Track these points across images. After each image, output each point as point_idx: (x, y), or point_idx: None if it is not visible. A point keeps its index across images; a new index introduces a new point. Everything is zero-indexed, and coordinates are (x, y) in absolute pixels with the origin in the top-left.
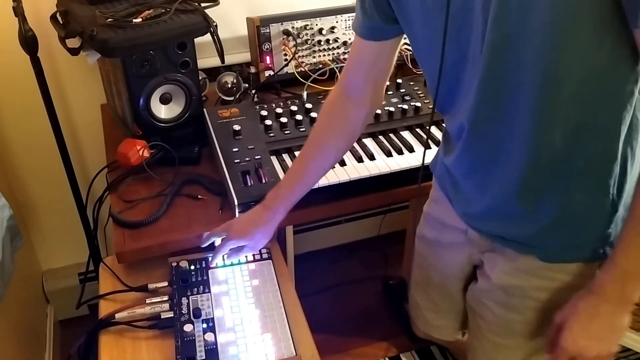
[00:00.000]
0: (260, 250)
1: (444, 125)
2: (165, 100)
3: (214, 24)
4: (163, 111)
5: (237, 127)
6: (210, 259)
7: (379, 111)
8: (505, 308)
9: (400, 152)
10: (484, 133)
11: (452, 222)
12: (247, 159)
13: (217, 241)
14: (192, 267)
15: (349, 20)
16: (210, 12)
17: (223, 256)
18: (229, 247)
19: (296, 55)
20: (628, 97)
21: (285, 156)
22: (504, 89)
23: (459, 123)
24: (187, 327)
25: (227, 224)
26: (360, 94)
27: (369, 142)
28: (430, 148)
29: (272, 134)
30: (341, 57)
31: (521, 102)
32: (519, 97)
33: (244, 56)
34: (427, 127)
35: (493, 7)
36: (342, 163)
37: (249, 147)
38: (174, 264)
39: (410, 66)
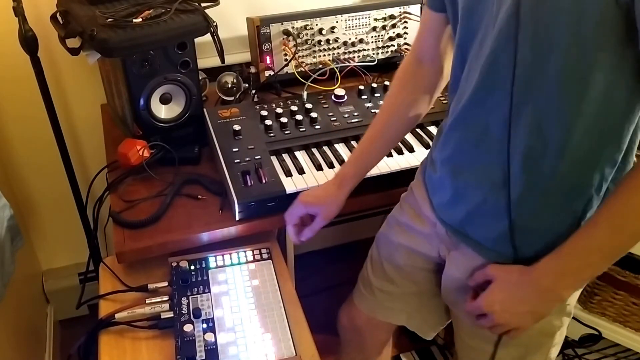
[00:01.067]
0: (260, 250)
1: None
2: (165, 100)
3: (214, 24)
4: (163, 111)
5: (237, 127)
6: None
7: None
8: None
9: (400, 152)
10: (473, 116)
11: (426, 212)
12: (247, 159)
13: (290, 233)
14: (192, 267)
15: (349, 20)
16: (210, 12)
17: (231, 257)
18: (298, 214)
19: (296, 55)
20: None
21: (285, 156)
22: (500, 80)
23: (455, 107)
24: (187, 327)
25: (297, 199)
26: (433, 60)
27: None
28: (430, 148)
29: (272, 134)
30: (341, 57)
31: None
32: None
33: (244, 56)
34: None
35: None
36: (342, 163)
37: (249, 147)
38: (174, 264)
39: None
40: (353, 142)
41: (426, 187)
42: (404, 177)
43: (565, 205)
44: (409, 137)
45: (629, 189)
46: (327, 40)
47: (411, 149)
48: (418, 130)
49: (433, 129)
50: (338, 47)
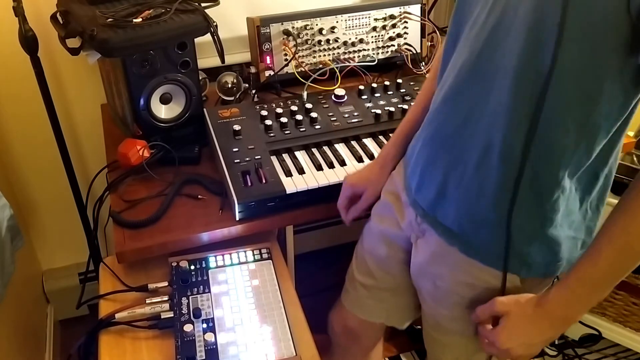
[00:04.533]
0: (260, 250)
1: None
2: (165, 100)
3: (214, 24)
4: (163, 111)
5: (237, 127)
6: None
7: (379, 111)
8: (434, 301)
9: None
10: (460, 98)
11: (403, 197)
12: (247, 159)
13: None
14: (192, 267)
15: (349, 20)
16: (211, 12)
17: (231, 257)
18: (346, 194)
19: (296, 55)
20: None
21: (285, 156)
22: (490, 70)
23: (442, 86)
24: (187, 327)
25: (344, 182)
26: None
27: (369, 142)
28: None
29: (272, 134)
30: (341, 57)
31: (499, 83)
32: (501, 77)
33: (244, 56)
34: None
35: None
36: (342, 163)
37: (249, 147)
38: (174, 264)
39: (411, 66)
40: (353, 142)
41: (405, 171)
42: None
43: (531, 200)
44: None
45: (627, 214)
46: (327, 40)
47: None
48: None
49: None
50: (338, 47)
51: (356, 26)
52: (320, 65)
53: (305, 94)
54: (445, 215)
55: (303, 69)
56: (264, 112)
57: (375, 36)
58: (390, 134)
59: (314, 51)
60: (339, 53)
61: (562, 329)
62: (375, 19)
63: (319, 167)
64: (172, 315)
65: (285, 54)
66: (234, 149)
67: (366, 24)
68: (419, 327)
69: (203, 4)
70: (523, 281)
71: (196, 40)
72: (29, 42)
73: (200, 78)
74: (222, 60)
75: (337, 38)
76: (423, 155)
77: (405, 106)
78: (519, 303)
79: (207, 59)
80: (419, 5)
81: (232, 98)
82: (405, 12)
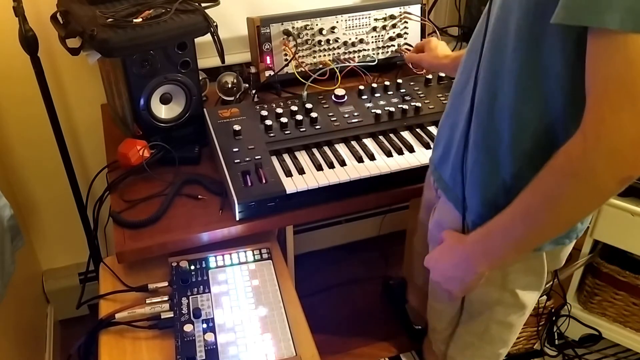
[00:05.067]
0: (260, 250)
1: None
2: (165, 100)
3: (214, 24)
4: (163, 111)
5: (237, 127)
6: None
7: (379, 111)
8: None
9: (400, 152)
10: (462, 70)
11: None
12: (247, 159)
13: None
14: (192, 267)
15: (349, 20)
16: (211, 12)
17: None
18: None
19: (296, 55)
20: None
21: (286, 156)
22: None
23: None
24: (187, 327)
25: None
26: None
27: (369, 142)
28: (430, 148)
29: (272, 134)
30: (341, 57)
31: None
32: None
33: (244, 56)
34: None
35: None
36: (342, 163)
37: (249, 147)
38: (174, 264)
39: (411, 66)
40: (353, 142)
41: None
42: (404, 177)
43: (489, 166)
44: (409, 137)
45: (535, 184)
46: (327, 41)
47: (411, 149)
48: (418, 130)
49: (433, 129)
50: (338, 47)
51: (356, 26)
52: (321, 65)
53: (305, 94)
54: (445, 171)
55: (303, 69)
56: (264, 112)
57: (376, 36)
58: (391, 134)
59: (314, 51)
60: (339, 53)
61: (468, 274)
62: (376, 19)
63: (319, 167)
64: (172, 315)
65: (286, 54)
66: (234, 149)
67: (366, 24)
68: (419, 327)
69: (203, 4)
70: None
71: (196, 40)
72: (29, 42)
73: (200, 78)
74: (222, 60)
75: (337, 38)
76: (443, 116)
77: (405, 106)
78: (453, 235)
79: (207, 59)
80: (419, 5)
81: (232, 98)
82: (405, 12)
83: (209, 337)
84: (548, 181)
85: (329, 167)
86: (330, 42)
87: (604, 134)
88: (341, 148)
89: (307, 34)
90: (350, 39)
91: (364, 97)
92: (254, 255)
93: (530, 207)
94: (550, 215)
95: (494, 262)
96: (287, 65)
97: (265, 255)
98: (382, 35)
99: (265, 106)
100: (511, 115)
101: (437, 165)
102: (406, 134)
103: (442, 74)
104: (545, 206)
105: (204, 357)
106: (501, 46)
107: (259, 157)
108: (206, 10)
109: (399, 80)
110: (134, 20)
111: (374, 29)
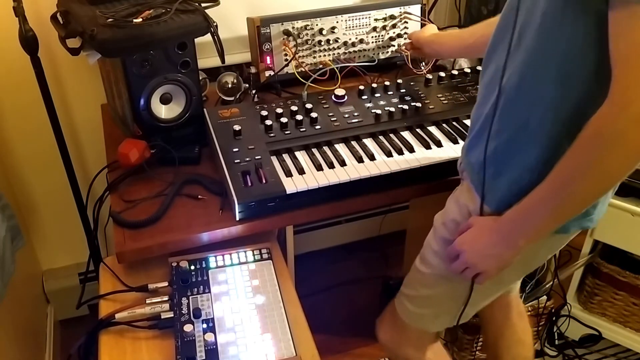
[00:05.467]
0: (260, 250)
1: (444, 125)
2: (165, 100)
3: (214, 24)
4: (163, 111)
5: (237, 127)
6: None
7: (379, 111)
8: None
9: (400, 152)
10: (488, 61)
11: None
12: (248, 159)
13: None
14: (192, 267)
15: (349, 20)
16: (211, 12)
17: (231, 257)
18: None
19: (296, 56)
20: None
21: (286, 156)
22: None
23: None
24: (187, 327)
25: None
26: None
27: (369, 142)
28: (430, 148)
29: (272, 134)
30: (341, 57)
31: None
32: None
33: (244, 56)
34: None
35: None
36: (342, 163)
37: (249, 147)
38: (174, 264)
39: (411, 66)
40: (353, 142)
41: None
42: (404, 177)
43: (514, 149)
44: (409, 137)
45: (570, 155)
46: (328, 41)
47: (411, 149)
48: (418, 130)
49: (433, 129)
50: (338, 47)
51: (356, 26)
52: (321, 66)
53: (305, 94)
54: (472, 155)
55: (303, 69)
56: (264, 112)
57: (376, 36)
58: (391, 134)
59: (314, 51)
60: (339, 53)
61: (510, 251)
62: (376, 19)
63: (319, 167)
64: (172, 315)
65: (286, 54)
66: (234, 149)
67: (366, 24)
68: None
69: (203, 4)
70: None
71: (196, 40)
72: (29, 42)
73: (200, 78)
74: (222, 61)
75: (337, 38)
76: (475, 107)
77: (405, 106)
78: (485, 217)
79: (207, 59)
80: (419, 6)
81: (232, 98)
82: (405, 12)
83: (209, 337)
84: (582, 150)
85: (329, 167)
86: (330, 42)
87: (632, 99)
88: (341, 148)
89: (307, 34)
90: (350, 39)
91: (364, 97)
92: (254, 255)
93: (566, 176)
94: (586, 182)
95: (534, 234)
96: (287, 65)
97: (265, 256)
98: (382, 35)
99: (265, 106)
100: (536, 97)
101: (467, 150)
102: (406, 134)
103: (442, 74)
104: (581, 173)
105: (204, 357)
106: (530, 31)
107: (259, 157)
108: (206, 10)
109: (399, 80)
110: (134, 20)
111: (374, 29)
